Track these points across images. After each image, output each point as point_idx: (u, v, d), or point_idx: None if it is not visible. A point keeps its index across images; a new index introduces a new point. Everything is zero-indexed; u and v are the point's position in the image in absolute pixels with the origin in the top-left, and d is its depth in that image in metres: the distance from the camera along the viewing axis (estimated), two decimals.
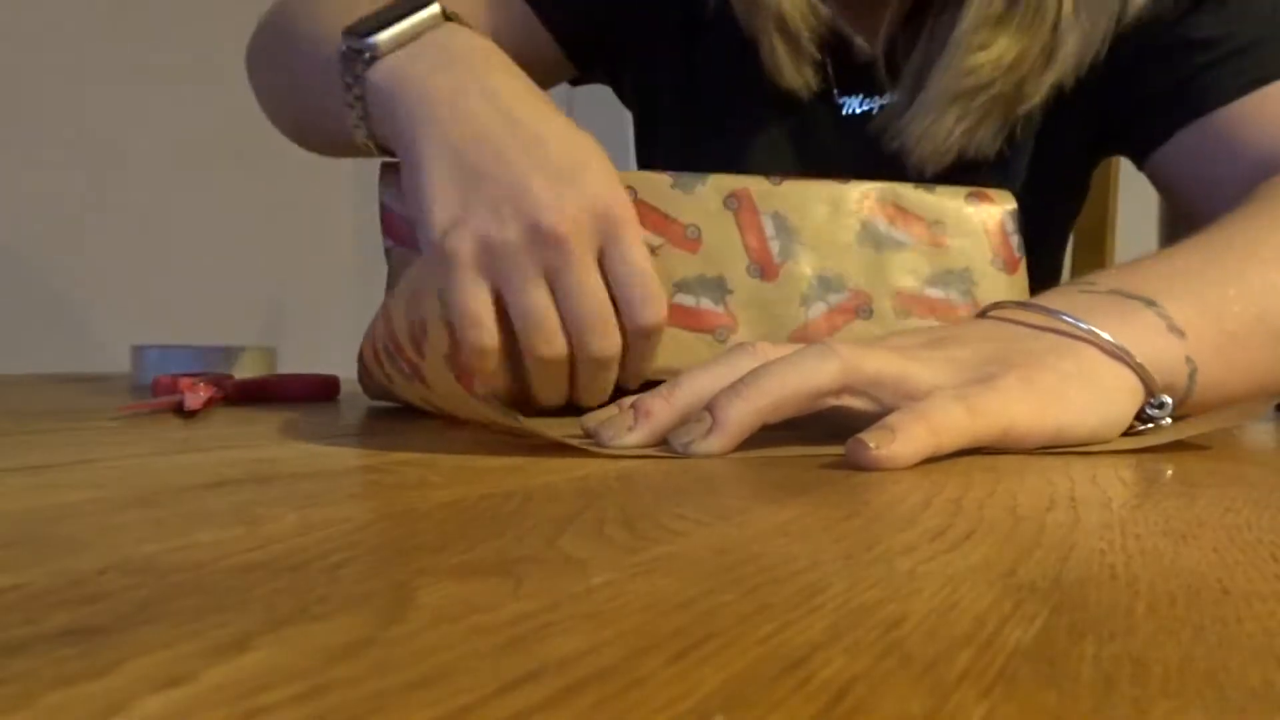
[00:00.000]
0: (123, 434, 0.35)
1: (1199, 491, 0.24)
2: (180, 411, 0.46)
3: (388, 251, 0.49)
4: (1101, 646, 0.12)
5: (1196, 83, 0.54)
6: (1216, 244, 0.42)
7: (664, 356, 0.45)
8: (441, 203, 0.41)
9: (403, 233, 0.48)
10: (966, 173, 0.56)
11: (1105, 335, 0.33)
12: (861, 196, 0.49)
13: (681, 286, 0.47)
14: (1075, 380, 0.33)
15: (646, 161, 0.70)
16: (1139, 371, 0.34)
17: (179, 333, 1.71)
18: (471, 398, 0.33)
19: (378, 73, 0.43)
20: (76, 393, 0.63)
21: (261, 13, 0.63)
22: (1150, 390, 0.34)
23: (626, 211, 0.42)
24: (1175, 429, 0.35)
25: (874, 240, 0.48)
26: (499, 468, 0.27)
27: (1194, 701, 0.10)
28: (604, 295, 0.41)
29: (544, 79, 0.56)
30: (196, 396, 0.46)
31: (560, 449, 0.31)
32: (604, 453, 0.31)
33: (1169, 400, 0.34)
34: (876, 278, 0.47)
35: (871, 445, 0.27)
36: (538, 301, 0.40)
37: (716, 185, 0.48)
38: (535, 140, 0.41)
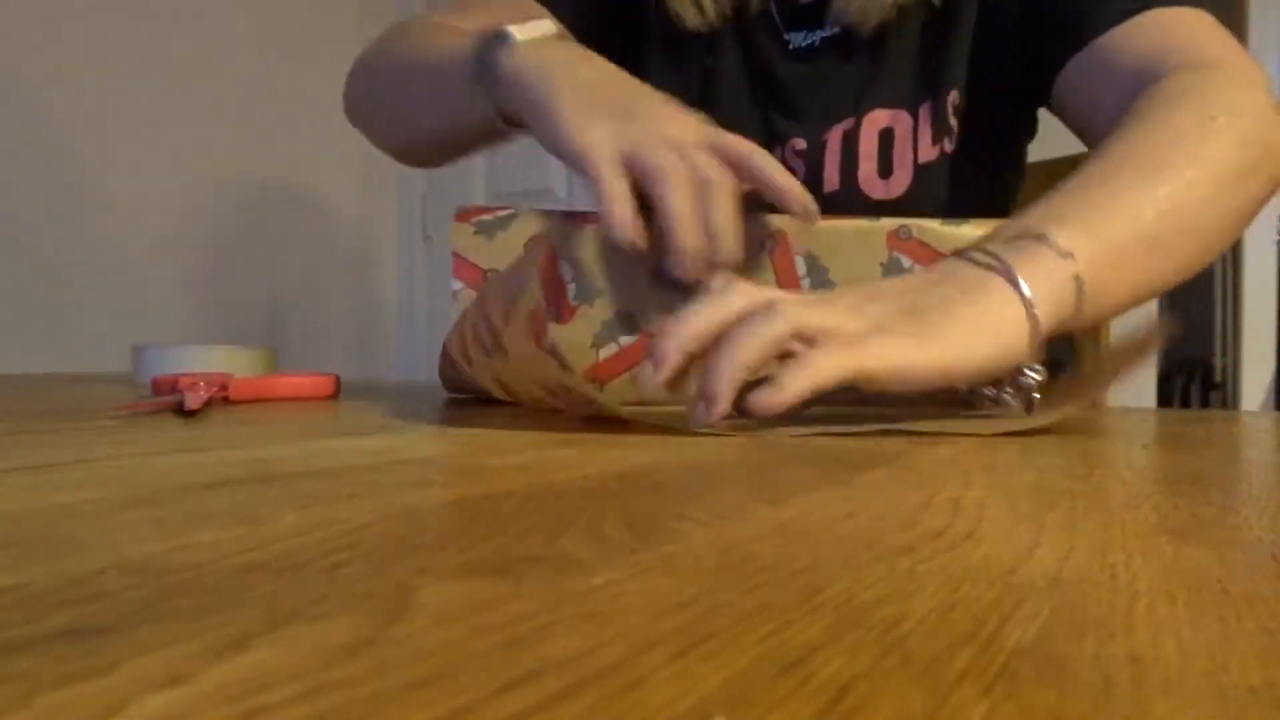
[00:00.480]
0: (123, 434, 0.35)
1: (1199, 491, 0.24)
2: (180, 411, 0.46)
3: (454, 294, 0.56)
4: (1101, 646, 0.12)
5: (1087, 14, 0.61)
6: (1099, 168, 0.48)
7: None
8: (578, 118, 0.49)
9: (472, 276, 0.56)
10: (908, 14, 0.65)
11: (1015, 274, 0.40)
12: (885, 232, 0.52)
13: None
14: (968, 322, 0.39)
15: None
16: (1028, 309, 0.40)
17: (179, 333, 1.71)
18: (542, 352, 0.37)
19: (514, 56, 0.54)
20: (76, 393, 0.63)
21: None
22: (1035, 329, 0.40)
23: (739, 144, 0.50)
24: (1029, 419, 0.41)
25: (898, 275, 0.51)
26: (499, 468, 0.27)
27: (1193, 701, 0.10)
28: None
29: None
30: (196, 396, 0.47)
31: (620, 422, 0.33)
32: (645, 426, 0.36)
33: (1037, 372, 0.43)
34: None
35: (760, 394, 0.35)
36: (681, 191, 0.47)
37: (760, 223, 0.53)
38: (645, 93, 0.52)
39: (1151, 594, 0.14)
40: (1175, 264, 0.47)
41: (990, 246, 0.42)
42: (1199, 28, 0.58)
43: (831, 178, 0.68)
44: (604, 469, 0.27)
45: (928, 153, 0.67)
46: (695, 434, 0.37)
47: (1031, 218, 0.44)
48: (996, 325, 0.39)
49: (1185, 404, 2.28)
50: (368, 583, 0.14)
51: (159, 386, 0.55)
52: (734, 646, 0.11)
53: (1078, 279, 0.42)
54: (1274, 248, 1.71)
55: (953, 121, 0.66)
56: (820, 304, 0.38)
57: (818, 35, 0.70)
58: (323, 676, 0.10)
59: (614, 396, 0.52)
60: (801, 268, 0.52)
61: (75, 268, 1.55)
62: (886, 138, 0.67)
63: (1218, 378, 2.18)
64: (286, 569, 0.15)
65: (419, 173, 2.01)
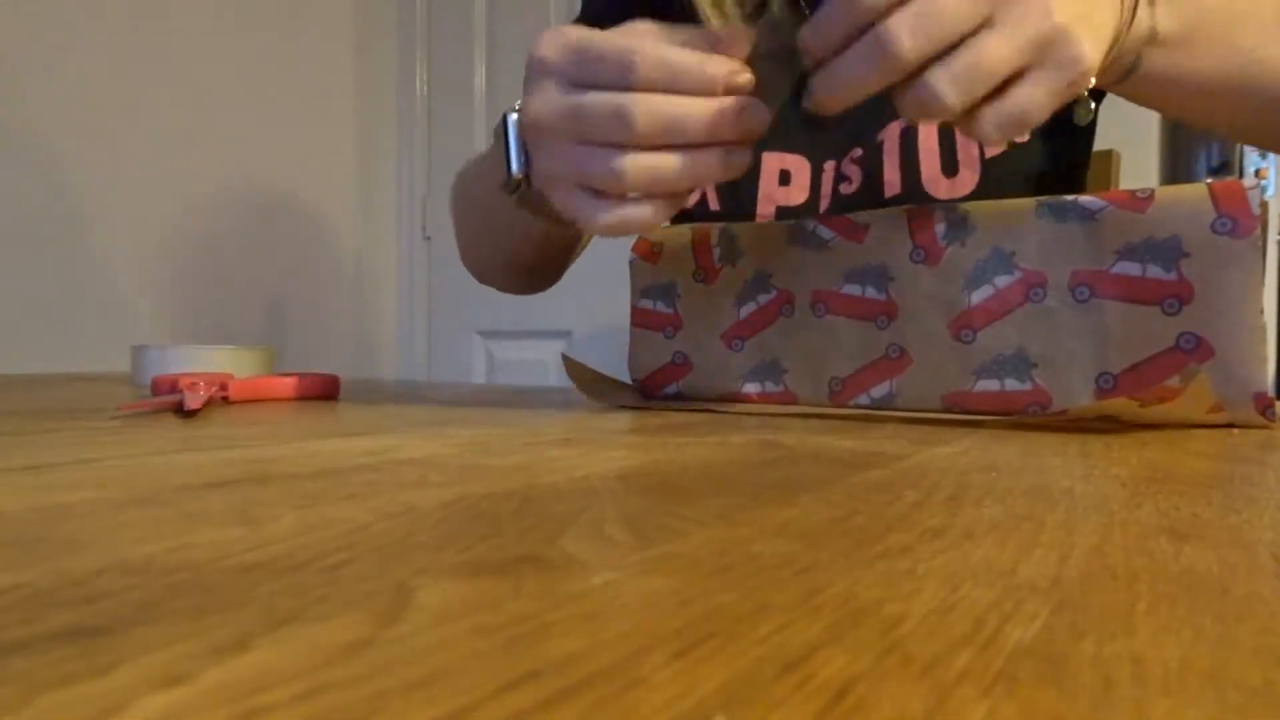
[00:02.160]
0: (123, 434, 0.35)
1: (1199, 491, 0.24)
2: (180, 411, 0.46)
3: (631, 263, 0.62)
4: (1101, 646, 0.12)
5: None
6: None
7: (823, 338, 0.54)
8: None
9: (645, 249, 0.61)
10: None
11: None
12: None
13: (849, 276, 0.51)
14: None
15: None
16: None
17: (179, 333, 1.71)
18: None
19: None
20: (76, 393, 0.63)
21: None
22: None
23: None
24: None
25: (1055, 212, 0.46)
26: (499, 467, 0.27)
27: (1194, 701, 0.10)
28: None
29: None
30: (196, 396, 0.47)
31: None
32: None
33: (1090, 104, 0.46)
34: (1054, 254, 0.46)
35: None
36: None
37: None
38: None
39: (1151, 594, 0.14)
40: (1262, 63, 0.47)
41: None
42: None
43: (893, 180, 0.63)
44: (604, 469, 0.27)
45: (995, 148, 0.61)
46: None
47: None
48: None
49: None
50: (367, 583, 0.14)
51: (159, 386, 0.55)
52: (734, 646, 0.11)
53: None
54: (1274, 248, 1.71)
55: None
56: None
57: None
58: (323, 676, 0.10)
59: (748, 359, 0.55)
60: (941, 229, 0.50)
61: (75, 268, 1.55)
62: (948, 130, 0.62)
63: None
64: (286, 569, 0.15)
65: (419, 172, 2.01)
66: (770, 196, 0.68)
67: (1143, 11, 0.43)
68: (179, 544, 0.16)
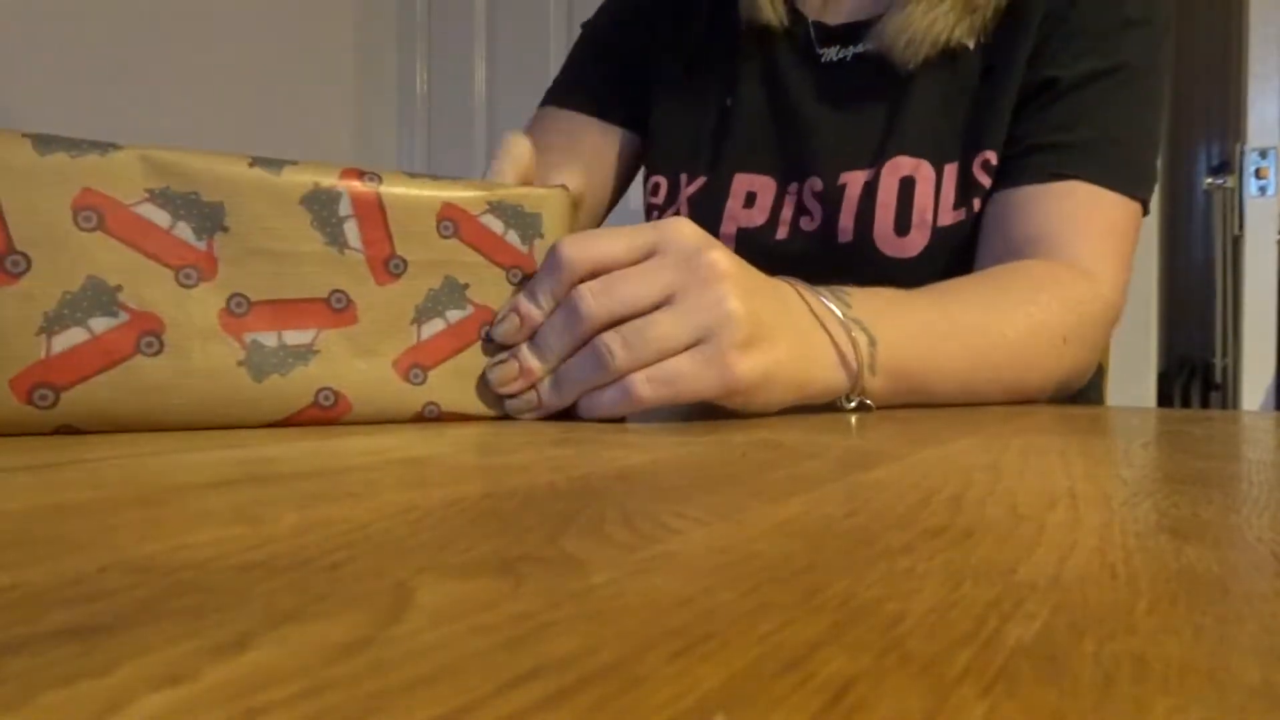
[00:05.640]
0: (123, 433, 0.35)
1: (1199, 491, 0.24)
2: None
3: None
4: (1102, 645, 0.12)
5: (1031, 156, 0.63)
6: (941, 290, 0.54)
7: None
8: None
9: None
10: (948, 60, 0.66)
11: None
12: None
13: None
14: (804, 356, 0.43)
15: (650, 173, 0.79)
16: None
17: None
18: None
19: None
20: None
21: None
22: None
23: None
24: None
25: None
26: (499, 467, 0.27)
27: (1194, 700, 0.10)
28: None
29: (631, 168, 0.79)
30: None
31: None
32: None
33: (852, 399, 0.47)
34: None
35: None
36: None
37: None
38: None
39: (1151, 594, 0.14)
40: (969, 362, 0.52)
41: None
42: (1095, 225, 0.61)
43: (846, 227, 0.66)
44: (604, 469, 0.27)
45: (948, 215, 0.64)
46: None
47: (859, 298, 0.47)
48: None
49: (1185, 404, 2.28)
50: (367, 582, 0.14)
51: None
52: (734, 646, 0.11)
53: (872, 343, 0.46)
54: (1274, 248, 1.71)
55: (985, 181, 0.64)
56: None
57: (850, 51, 0.69)
58: (322, 676, 0.10)
59: (441, 384, 0.41)
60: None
61: None
62: (907, 188, 0.65)
63: (1218, 378, 2.18)
64: (286, 568, 0.15)
65: (418, 165, 2.02)
66: (733, 216, 0.71)
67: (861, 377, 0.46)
68: (179, 543, 0.16)
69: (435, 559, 0.15)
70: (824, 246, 0.67)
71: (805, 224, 0.69)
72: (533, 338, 0.41)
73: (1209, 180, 1.99)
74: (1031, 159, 0.63)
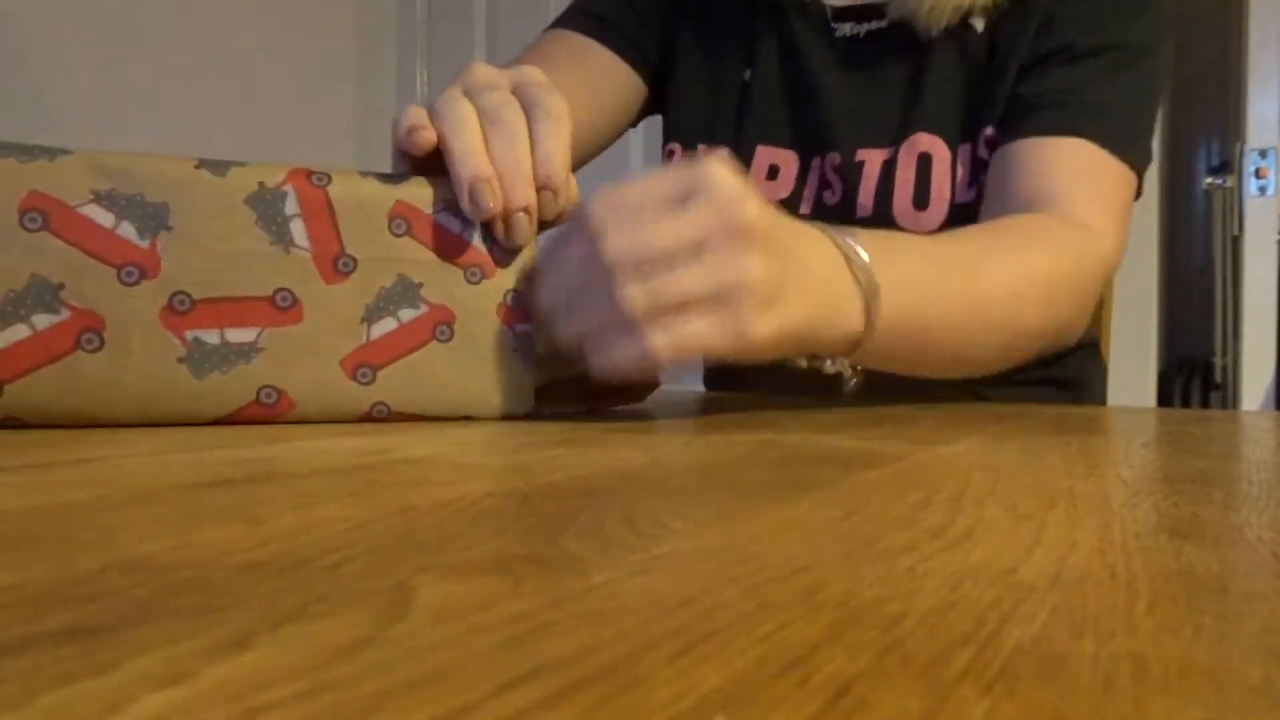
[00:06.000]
0: (123, 433, 0.35)
1: (1199, 491, 0.24)
2: None
3: None
4: (1101, 645, 0.12)
5: (1034, 109, 0.63)
6: (951, 237, 0.54)
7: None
8: None
9: None
10: (958, 42, 0.66)
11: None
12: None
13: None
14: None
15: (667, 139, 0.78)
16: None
17: None
18: None
19: None
20: None
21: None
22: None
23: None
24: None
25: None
26: (499, 467, 0.27)
27: (1194, 699, 0.10)
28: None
29: (630, 110, 0.77)
30: None
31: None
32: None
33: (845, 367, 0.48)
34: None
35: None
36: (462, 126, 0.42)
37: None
38: None
39: (1151, 594, 0.14)
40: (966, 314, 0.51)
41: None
42: (1096, 181, 0.61)
43: (865, 203, 0.67)
44: (604, 469, 0.27)
45: (964, 193, 0.66)
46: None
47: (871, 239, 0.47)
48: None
49: (1185, 403, 2.28)
50: (367, 582, 0.14)
51: None
52: (734, 646, 0.11)
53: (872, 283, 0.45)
54: (1274, 248, 1.71)
55: (988, 156, 0.66)
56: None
57: (863, 28, 0.69)
58: (323, 676, 0.10)
59: (391, 384, 0.40)
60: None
61: None
62: (924, 165, 0.66)
63: (1218, 377, 2.18)
64: (286, 568, 0.15)
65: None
66: (757, 188, 0.70)
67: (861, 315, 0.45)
68: (179, 543, 0.16)
69: (435, 559, 0.15)
70: (844, 220, 0.68)
71: (828, 197, 0.70)
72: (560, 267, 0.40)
73: (1209, 180, 1.99)
74: (1040, 113, 0.63)
